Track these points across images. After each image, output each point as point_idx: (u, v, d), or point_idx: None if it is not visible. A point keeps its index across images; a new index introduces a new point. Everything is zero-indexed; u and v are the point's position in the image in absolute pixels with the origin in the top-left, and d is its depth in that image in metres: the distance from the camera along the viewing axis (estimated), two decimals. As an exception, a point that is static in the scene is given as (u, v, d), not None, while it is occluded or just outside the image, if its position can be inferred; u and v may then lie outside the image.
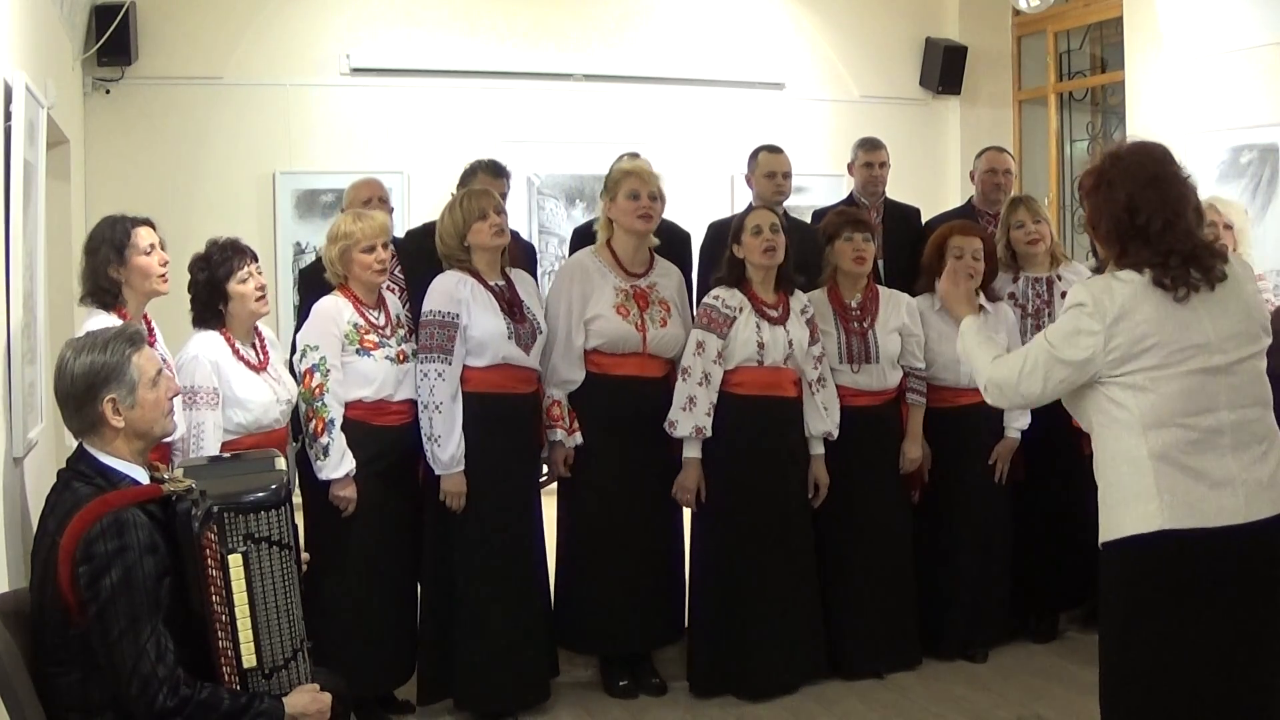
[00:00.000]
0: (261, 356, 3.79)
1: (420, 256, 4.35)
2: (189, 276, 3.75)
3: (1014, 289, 4.78)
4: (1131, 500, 2.60)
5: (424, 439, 3.98)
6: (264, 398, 3.71)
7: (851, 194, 5.76)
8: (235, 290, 3.70)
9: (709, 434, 4.20)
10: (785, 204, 5.19)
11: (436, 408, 3.96)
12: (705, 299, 4.33)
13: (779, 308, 4.31)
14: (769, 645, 4.26)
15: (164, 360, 3.36)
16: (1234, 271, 2.66)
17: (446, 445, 3.96)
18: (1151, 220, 2.60)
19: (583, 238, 4.83)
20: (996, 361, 2.84)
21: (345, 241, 3.95)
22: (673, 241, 5.02)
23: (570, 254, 4.79)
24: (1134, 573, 2.63)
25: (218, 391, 3.61)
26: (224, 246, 3.75)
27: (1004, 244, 4.81)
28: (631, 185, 4.28)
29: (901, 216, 5.66)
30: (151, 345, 3.01)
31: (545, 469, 4.34)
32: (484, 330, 4.01)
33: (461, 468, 3.98)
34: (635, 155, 5.20)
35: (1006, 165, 5.57)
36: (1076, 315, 2.65)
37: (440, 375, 3.97)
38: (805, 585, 4.36)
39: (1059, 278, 4.77)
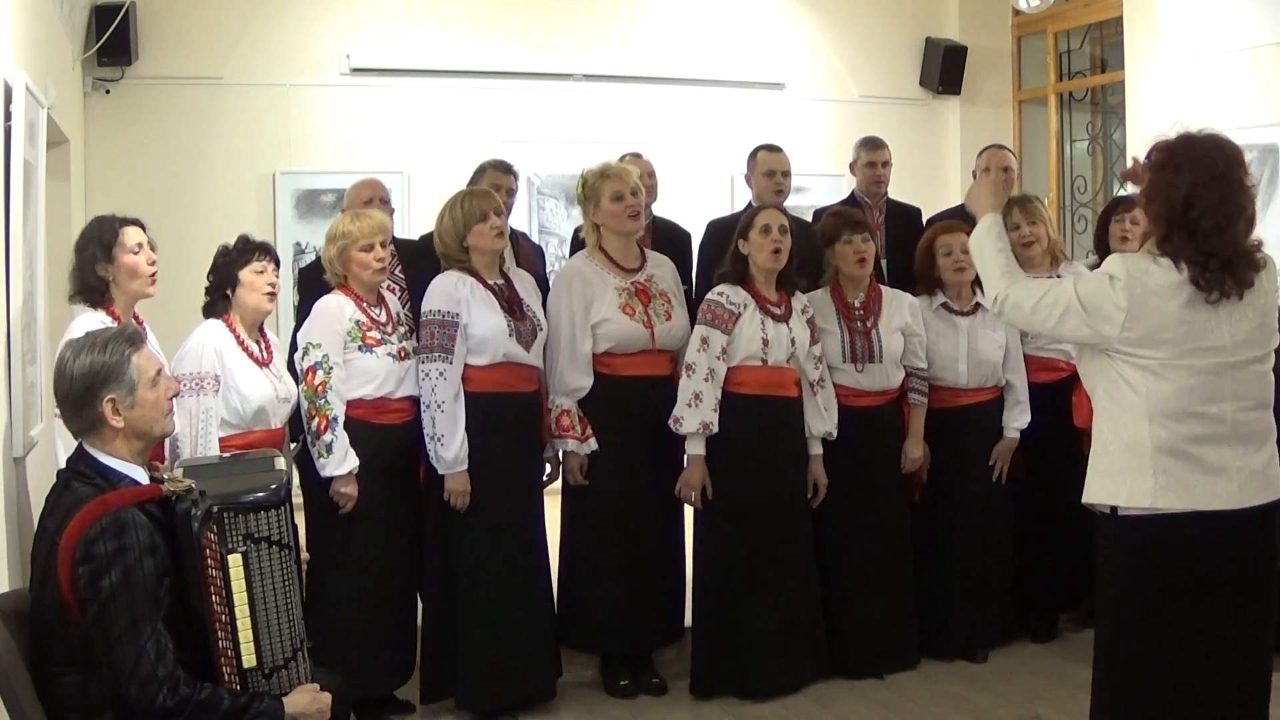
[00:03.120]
0: (266, 354, 3.80)
1: (424, 260, 4.35)
2: (210, 264, 3.80)
3: (1014, 289, 4.78)
4: (1126, 473, 2.65)
5: (427, 439, 3.97)
6: (264, 391, 3.72)
7: (853, 193, 5.75)
8: (246, 277, 3.74)
9: (715, 430, 4.18)
10: (785, 204, 5.18)
11: (439, 407, 3.95)
12: (709, 295, 4.30)
13: (782, 306, 4.30)
14: (770, 645, 4.25)
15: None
16: (1260, 281, 2.68)
17: (450, 444, 3.95)
18: (1204, 218, 2.60)
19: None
20: (1013, 278, 2.81)
21: (344, 241, 3.96)
22: (673, 241, 5.03)
23: (571, 254, 4.79)
24: (1126, 549, 2.68)
25: (219, 379, 3.63)
26: (252, 242, 3.81)
27: (1002, 244, 4.80)
28: (614, 187, 4.26)
29: (904, 216, 5.64)
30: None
31: (549, 468, 4.34)
32: (485, 328, 4.01)
33: (465, 466, 3.98)
34: (638, 155, 5.21)
35: (1009, 164, 5.56)
36: (1108, 285, 2.65)
37: (442, 375, 3.96)
38: (807, 585, 4.35)
39: (1059, 278, 4.76)
